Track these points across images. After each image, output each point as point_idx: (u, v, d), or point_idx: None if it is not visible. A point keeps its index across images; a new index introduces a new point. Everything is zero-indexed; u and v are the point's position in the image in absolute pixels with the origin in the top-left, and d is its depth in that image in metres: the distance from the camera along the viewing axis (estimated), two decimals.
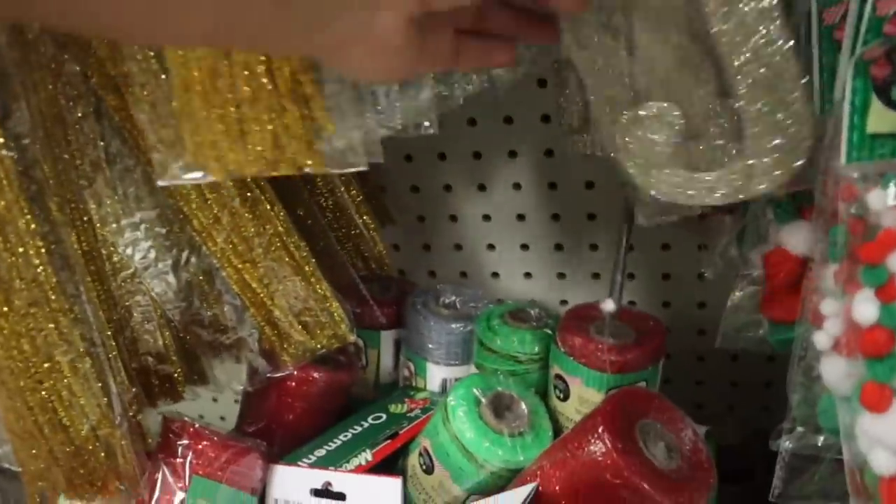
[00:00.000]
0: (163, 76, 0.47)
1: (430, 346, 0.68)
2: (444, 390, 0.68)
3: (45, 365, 0.54)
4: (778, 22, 0.42)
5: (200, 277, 0.64)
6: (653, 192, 0.49)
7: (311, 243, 0.63)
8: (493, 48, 0.46)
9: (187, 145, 0.45)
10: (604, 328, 0.60)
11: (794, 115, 0.44)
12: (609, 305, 0.56)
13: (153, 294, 0.62)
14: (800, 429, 0.50)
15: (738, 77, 0.44)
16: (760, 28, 0.42)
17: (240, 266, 0.60)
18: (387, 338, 0.72)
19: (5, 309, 0.52)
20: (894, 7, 0.39)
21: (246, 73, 0.44)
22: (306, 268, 0.61)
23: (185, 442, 0.59)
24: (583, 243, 0.78)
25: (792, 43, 0.42)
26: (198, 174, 0.47)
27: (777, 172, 0.46)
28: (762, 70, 0.43)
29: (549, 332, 0.63)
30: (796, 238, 0.55)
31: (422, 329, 0.68)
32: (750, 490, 0.76)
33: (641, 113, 0.48)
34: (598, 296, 0.79)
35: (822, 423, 0.49)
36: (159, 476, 0.60)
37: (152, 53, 0.50)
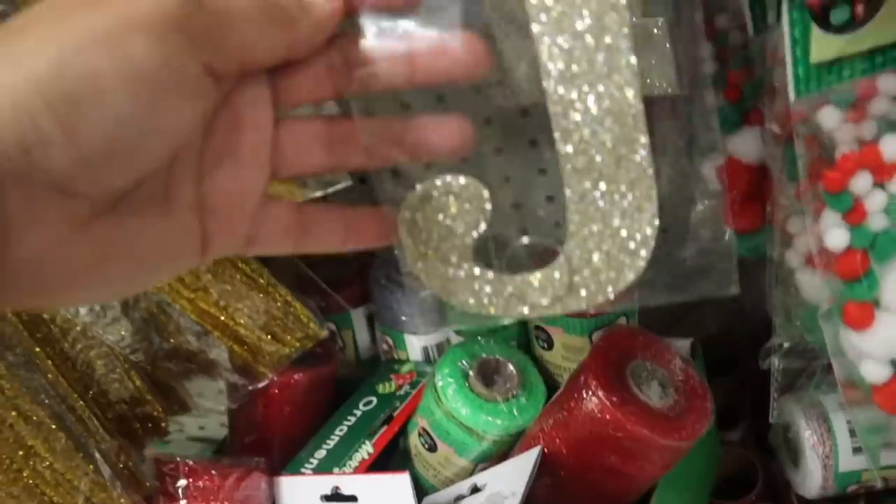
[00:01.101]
0: None
1: (403, 318, 0.66)
2: (428, 358, 0.67)
3: (20, 453, 0.52)
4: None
5: (154, 311, 0.61)
6: (444, 298, 0.41)
7: None
8: None
9: None
10: None
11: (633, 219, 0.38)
12: None
13: (109, 343, 0.59)
14: (786, 345, 0.51)
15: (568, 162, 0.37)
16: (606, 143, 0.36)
17: (192, 296, 0.57)
18: (358, 315, 0.70)
19: None
20: None
21: None
22: (260, 280, 0.58)
23: (184, 482, 0.58)
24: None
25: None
26: None
27: (607, 287, 0.38)
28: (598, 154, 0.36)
29: None
30: (746, 146, 0.53)
31: (391, 303, 0.66)
32: (738, 378, 0.78)
33: (440, 187, 0.38)
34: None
35: (807, 338, 0.49)
36: None
37: None
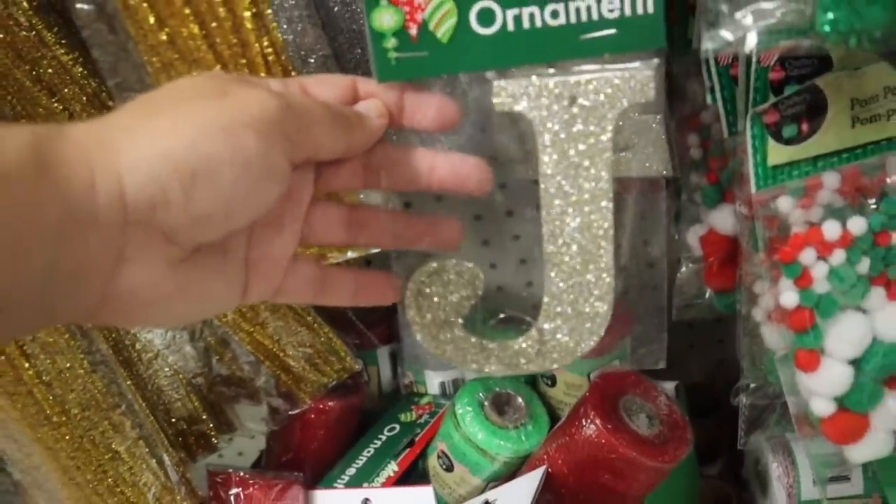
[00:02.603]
0: None
1: (425, 357, 0.76)
2: (444, 392, 0.77)
3: (107, 456, 0.61)
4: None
5: (214, 342, 0.71)
6: (438, 355, 0.54)
7: None
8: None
9: None
10: None
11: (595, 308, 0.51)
12: None
13: (176, 367, 0.69)
14: (752, 385, 0.61)
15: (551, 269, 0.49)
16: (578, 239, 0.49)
17: (251, 330, 0.67)
18: (383, 353, 0.80)
19: (64, 419, 0.59)
20: (774, 58, 0.47)
21: None
22: (308, 318, 0.68)
23: (235, 491, 0.68)
24: (537, 232, 0.86)
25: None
26: None
27: (570, 353, 0.52)
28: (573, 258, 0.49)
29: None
30: (724, 220, 0.64)
31: (415, 343, 0.76)
32: (718, 420, 0.88)
33: (441, 269, 0.52)
34: None
35: (769, 379, 0.60)
36: None
37: None
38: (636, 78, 0.45)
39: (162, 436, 0.65)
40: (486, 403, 0.68)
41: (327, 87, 0.44)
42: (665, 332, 0.59)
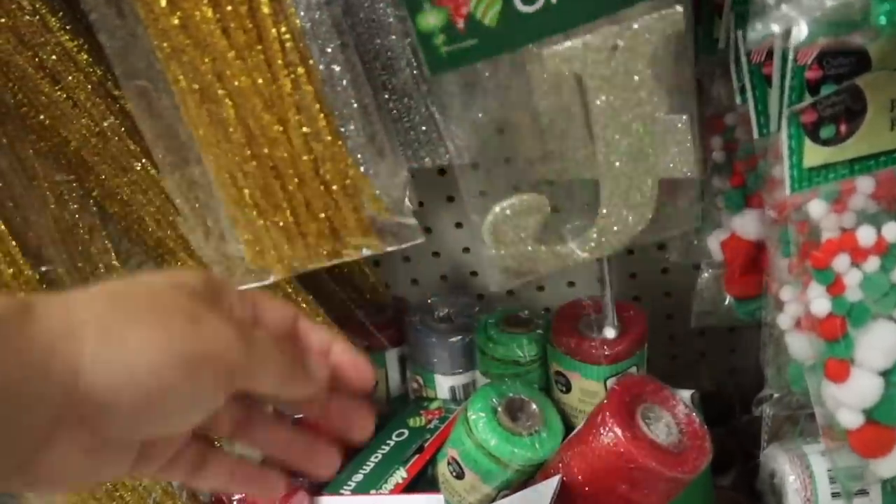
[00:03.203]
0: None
1: (434, 360, 0.75)
2: (454, 397, 0.75)
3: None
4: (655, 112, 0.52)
5: None
6: (516, 269, 0.59)
7: (311, 288, 0.68)
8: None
9: (246, 252, 0.50)
10: (592, 324, 0.67)
11: (644, 200, 0.56)
12: (610, 333, 0.63)
13: None
14: (776, 395, 0.59)
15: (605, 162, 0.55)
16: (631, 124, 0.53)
17: None
18: (391, 356, 0.78)
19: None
20: (811, 56, 0.45)
21: (297, 180, 0.48)
22: (317, 319, 0.66)
23: (238, 496, 0.66)
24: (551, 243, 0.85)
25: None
26: (265, 278, 0.51)
27: (622, 238, 0.58)
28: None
29: (542, 332, 0.71)
30: (747, 225, 0.62)
31: (424, 346, 0.74)
32: (730, 430, 0.86)
33: (511, 206, 0.56)
34: (569, 277, 0.87)
35: (793, 388, 0.58)
36: None
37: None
38: (667, 16, 0.50)
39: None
40: (499, 409, 0.66)
41: (277, 313, 0.44)
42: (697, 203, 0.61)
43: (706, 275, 0.67)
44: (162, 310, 0.37)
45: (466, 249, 0.86)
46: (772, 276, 0.57)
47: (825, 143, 0.46)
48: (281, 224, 0.49)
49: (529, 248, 0.59)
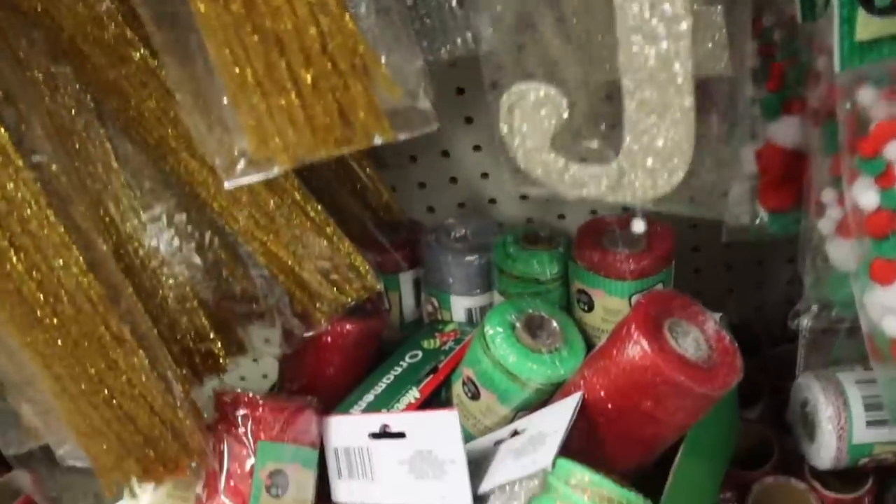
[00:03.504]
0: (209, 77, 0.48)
1: (450, 280, 0.71)
2: (471, 319, 0.72)
3: (102, 365, 0.56)
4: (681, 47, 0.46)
5: (224, 255, 0.66)
6: (527, 171, 0.53)
7: (322, 202, 0.65)
8: None
9: (249, 141, 0.46)
10: (617, 239, 0.64)
11: (673, 145, 0.48)
12: (639, 225, 0.59)
13: (182, 278, 0.64)
14: (814, 307, 0.55)
15: (630, 95, 0.47)
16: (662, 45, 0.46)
17: (265, 239, 0.62)
18: (405, 279, 0.75)
19: (56, 322, 0.54)
20: None
21: (303, 56, 0.45)
22: (327, 229, 0.63)
23: (244, 412, 0.63)
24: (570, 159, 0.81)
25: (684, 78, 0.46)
26: (268, 169, 0.48)
27: (647, 191, 0.50)
28: (652, 93, 0.47)
29: (563, 250, 0.67)
30: (785, 132, 0.58)
31: (440, 266, 0.71)
32: (758, 364, 0.83)
33: (529, 91, 0.51)
34: (591, 205, 0.83)
35: (833, 300, 0.54)
36: (224, 448, 0.63)
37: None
38: None
39: (164, 350, 0.60)
40: (517, 325, 0.62)
41: None
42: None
43: (738, 188, 0.63)
44: None
45: (485, 175, 0.83)
46: (812, 180, 0.53)
47: (881, 12, 0.42)
48: (285, 105, 0.46)
49: (543, 152, 0.53)
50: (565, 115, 0.50)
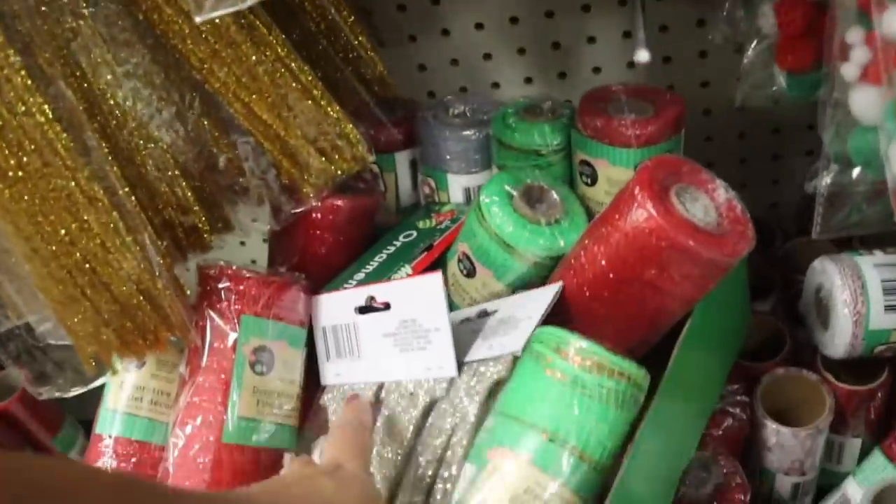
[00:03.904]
0: None
1: (447, 157, 0.67)
2: (468, 199, 0.69)
3: (73, 225, 0.53)
4: None
5: (207, 122, 0.62)
6: None
7: (312, 71, 0.61)
8: None
9: None
10: (622, 106, 0.59)
11: None
12: (643, 55, 0.55)
13: (163, 144, 0.60)
14: (834, 165, 0.51)
15: None
16: None
17: (247, 99, 0.58)
18: (401, 159, 0.71)
19: (20, 174, 0.51)
20: None
21: None
22: (314, 91, 0.59)
23: (227, 285, 0.60)
24: (581, 38, 0.76)
25: None
26: (241, 0, 0.44)
27: None
28: None
29: (566, 121, 0.63)
30: None
31: (437, 142, 0.67)
32: (770, 257, 0.79)
33: None
34: (595, 61, 0.79)
35: (853, 158, 0.50)
36: (207, 322, 0.60)
37: None
38: None
39: (142, 216, 0.57)
40: (515, 195, 0.59)
41: None
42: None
43: (754, 48, 0.58)
44: None
45: (488, 56, 0.78)
46: (836, 21, 0.48)
47: None
48: None
49: None
50: None
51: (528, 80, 0.79)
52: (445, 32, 0.77)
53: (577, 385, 0.48)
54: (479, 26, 0.77)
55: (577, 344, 0.49)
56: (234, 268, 0.60)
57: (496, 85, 0.80)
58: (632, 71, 0.78)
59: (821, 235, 0.52)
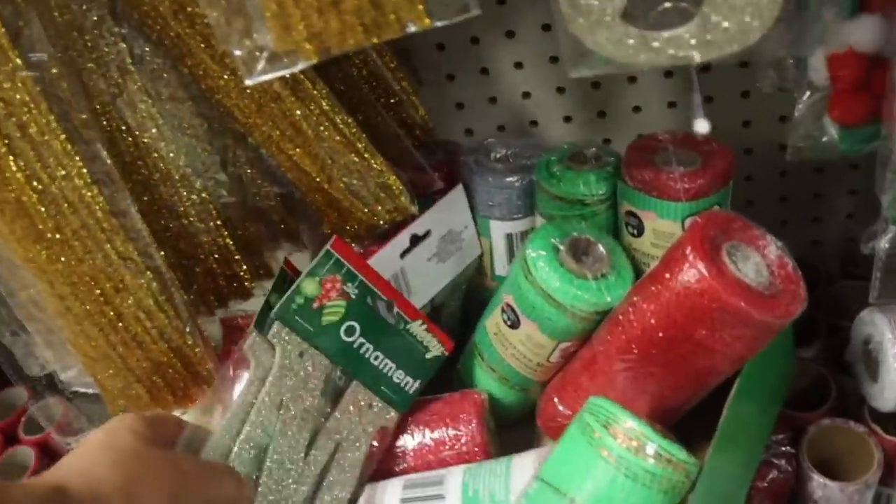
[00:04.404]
0: None
1: (489, 203, 0.67)
2: (510, 245, 0.68)
3: (108, 285, 0.53)
4: None
5: (249, 170, 0.62)
6: (596, 50, 0.46)
7: (354, 118, 0.60)
8: None
9: (271, 28, 0.42)
10: (671, 157, 0.58)
11: None
12: (703, 126, 0.54)
13: (205, 194, 0.60)
14: (893, 228, 0.50)
15: None
16: None
17: (290, 152, 0.58)
18: None
19: (58, 236, 0.51)
20: None
21: None
22: (358, 144, 0.59)
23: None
24: (620, 77, 0.75)
25: None
26: (292, 64, 0.43)
27: (735, 38, 0.44)
28: None
29: (611, 170, 0.62)
30: (862, 33, 0.52)
31: (479, 188, 0.67)
32: (815, 300, 0.77)
33: None
34: (640, 129, 0.78)
35: None
36: (234, 375, 0.60)
37: None
38: None
39: (171, 273, 0.56)
40: (561, 248, 0.58)
41: None
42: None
43: (805, 100, 0.57)
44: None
45: (527, 94, 0.78)
46: (894, 81, 0.47)
47: None
48: None
49: (612, 26, 0.46)
50: None
51: (567, 119, 0.79)
52: (484, 71, 0.77)
53: (623, 466, 0.48)
54: (518, 65, 0.76)
55: (626, 423, 0.48)
56: None
57: (534, 123, 0.79)
58: (672, 110, 0.77)
59: (879, 300, 0.51)
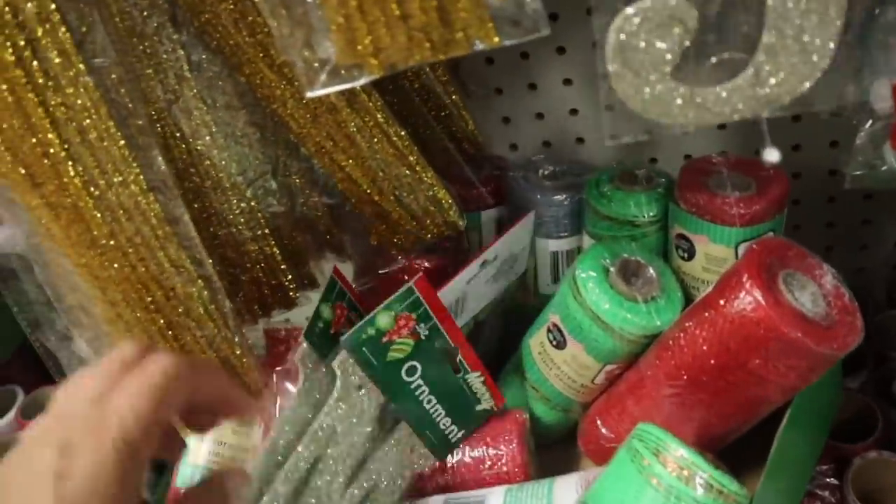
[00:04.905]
0: None
1: (536, 221, 0.66)
2: (555, 263, 0.67)
3: (159, 293, 0.53)
4: None
5: (299, 180, 0.62)
6: (643, 111, 0.44)
7: (406, 130, 0.60)
8: None
9: (336, 41, 0.42)
10: (725, 182, 0.58)
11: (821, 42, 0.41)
12: (773, 155, 0.53)
13: (254, 203, 0.60)
14: None
15: None
16: None
17: (343, 163, 0.57)
18: (487, 217, 0.70)
19: (112, 242, 0.50)
20: None
21: None
22: (410, 157, 0.59)
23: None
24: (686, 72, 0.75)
25: None
26: (355, 78, 0.43)
27: (785, 93, 0.42)
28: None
29: (662, 191, 0.62)
30: None
31: (526, 205, 0.66)
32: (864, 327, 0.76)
33: (651, 7, 0.40)
34: (687, 149, 0.77)
35: None
36: (277, 386, 0.60)
37: None
38: None
39: (219, 282, 0.56)
40: (612, 270, 0.57)
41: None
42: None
43: (867, 128, 0.56)
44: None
45: (574, 111, 0.77)
46: None
47: None
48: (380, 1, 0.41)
49: (661, 85, 0.43)
50: (694, 28, 0.43)
51: (614, 137, 0.78)
52: (532, 87, 0.76)
53: (672, 496, 0.47)
54: (567, 82, 0.75)
55: (677, 451, 0.48)
56: (300, 328, 0.60)
57: (580, 140, 0.79)
58: (720, 132, 0.76)
59: None
